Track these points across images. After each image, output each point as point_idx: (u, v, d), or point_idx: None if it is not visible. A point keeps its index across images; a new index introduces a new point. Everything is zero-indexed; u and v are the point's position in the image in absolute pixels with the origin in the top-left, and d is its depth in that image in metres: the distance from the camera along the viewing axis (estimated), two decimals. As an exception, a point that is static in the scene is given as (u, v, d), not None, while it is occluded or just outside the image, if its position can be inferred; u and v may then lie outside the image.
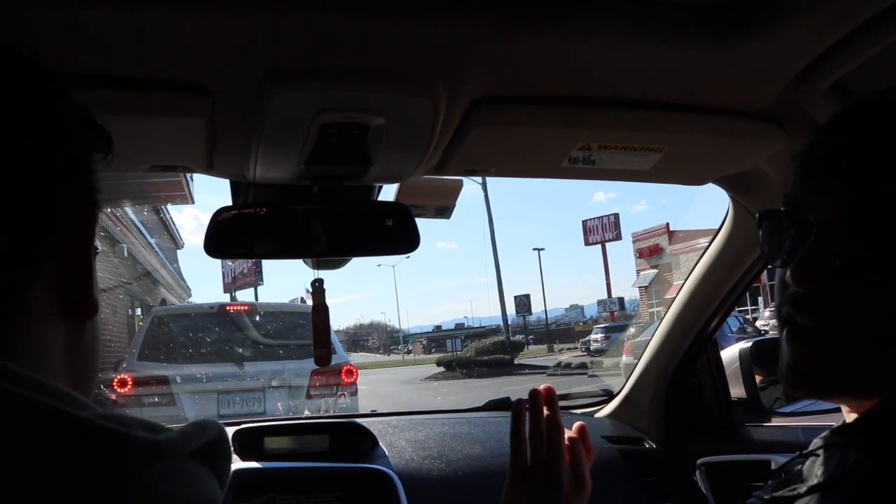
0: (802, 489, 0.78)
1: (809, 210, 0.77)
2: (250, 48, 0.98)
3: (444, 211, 1.78)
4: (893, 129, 0.75)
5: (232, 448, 1.74)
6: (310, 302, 1.69)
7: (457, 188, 1.74)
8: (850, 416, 0.82)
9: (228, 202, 1.54)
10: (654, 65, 1.11)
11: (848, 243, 0.73)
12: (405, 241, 1.50)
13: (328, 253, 1.49)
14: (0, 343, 0.51)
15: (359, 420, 2.20)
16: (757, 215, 0.86)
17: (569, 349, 36.90)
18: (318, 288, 1.64)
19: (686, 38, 1.04)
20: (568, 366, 25.13)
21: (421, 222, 1.53)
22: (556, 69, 1.11)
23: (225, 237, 1.44)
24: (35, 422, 0.44)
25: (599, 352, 28.77)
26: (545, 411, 1.12)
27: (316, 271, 1.63)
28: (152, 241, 16.39)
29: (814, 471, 0.79)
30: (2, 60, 0.54)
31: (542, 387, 1.15)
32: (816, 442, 0.82)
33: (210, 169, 1.37)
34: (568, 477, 1.06)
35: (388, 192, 1.59)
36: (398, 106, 1.11)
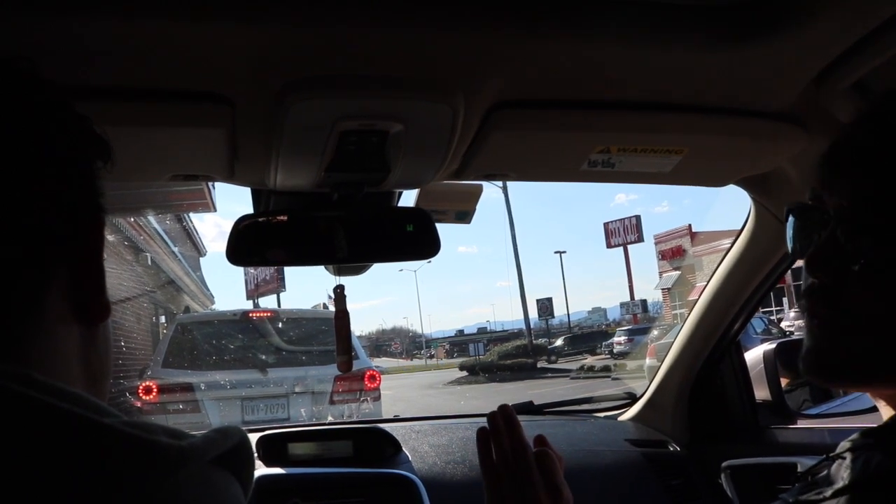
0: (828, 493, 0.77)
1: (829, 202, 0.78)
2: (270, 58, 0.98)
3: (465, 216, 1.78)
4: None
5: (255, 454, 1.74)
6: (332, 308, 1.70)
7: (476, 193, 1.74)
8: (884, 415, 0.82)
9: (250, 210, 1.55)
10: (674, 67, 1.11)
11: (860, 234, 0.74)
12: (426, 246, 1.50)
13: (349, 259, 1.50)
14: (18, 348, 0.52)
15: (382, 425, 2.20)
16: (785, 208, 0.87)
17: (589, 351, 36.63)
18: (339, 294, 1.64)
19: (705, 39, 1.04)
20: (591, 369, 25.03)
21: (441, 227, 1.53)
22: (574, 73, 1.10)
23: (247, 245, 1.45)
24: (60, 429, 0.45)
25: (623, 354, 28.57)
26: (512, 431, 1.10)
27: (337, 277, 1.64)
28: (175, 249, 16.51)
29: (840, 474, 0.78)
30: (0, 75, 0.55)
31: (498, 408, 1.14)
32: (843, 444, 0.82)
33: (231, 178, 1.38)
34: (544, 493, 1.05)
35: (408, 198, 1.59)
36: (416, 112, 1.12)
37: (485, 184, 1.69)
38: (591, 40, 1.03)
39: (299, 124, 1.11)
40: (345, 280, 1.64)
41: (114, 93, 1.04)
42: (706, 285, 2.12)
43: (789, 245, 0.87)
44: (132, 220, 11.52)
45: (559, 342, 38.62)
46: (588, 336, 40.26)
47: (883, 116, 0.79)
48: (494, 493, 1.09)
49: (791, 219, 0.86)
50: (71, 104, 0.58)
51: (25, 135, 0.53)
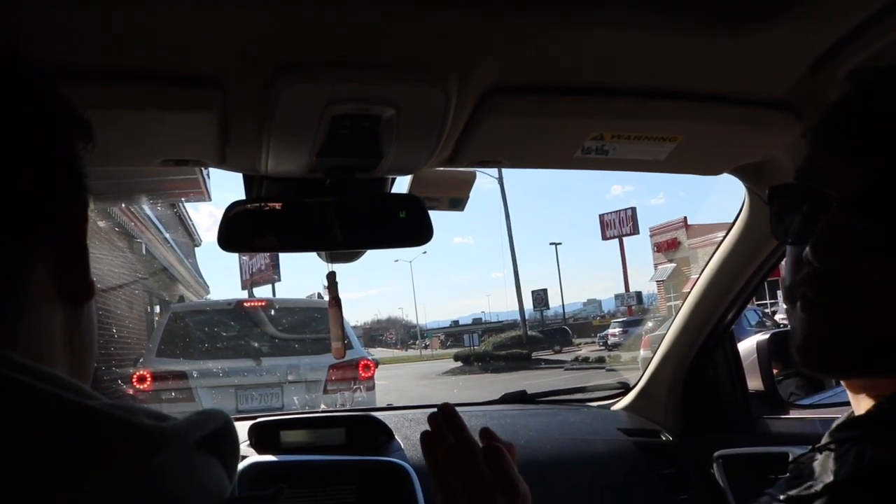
0: (818, 487, 0.75)
1: (829, 183, 0.72)
2: (260, 42, 0.98)
3: (458, 203, 1.77)
4: None
5: (242, 439, 1.72)
6: (327, 297, 1.69)
7: (470, 180, 1.74)
8: (858, 406, 0.79)
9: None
10: (668, 53, 1.10)
11: (872, 218, 0.69)
12: (418, 233, 1.49)
13: (342, 245, 1.49)
14: (1, 329, 0.51)
15: (375, 413, 2.20)
16: (767, 190, 0.82)
17: (586, 343, 36.59)
18: (332, 281, 1.64)
19: (700, 25, 1.03)
20: (586, 360, 25.12)
21: (437, 217, 1.52)
22: (568, 58, 1.10)
23: (238, 231, 1.45)
24: (43, 412, 0.44)
25: (617, 346, 28.63)
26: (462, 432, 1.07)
27: (330, 264, 1.63)
28: (168, 236, 16.45)
29: (828, 466, 0.76)
30: None
31: (438, 407, 1.10)
32: (827, 436, 0.80)
33: (222, 163, 1.37)
34: (497, 490, 1.00)
35: (401, 185, 1.59)
36: (409, 97, 1.11)
37: (480, 174, 1.68)
38: (585, 25, 1.02)
39: (291, 108, 1.10)
40: (340, 269, 1.64)
41: (103, 75, 1.03)
42: (700, 275, 2.12)
43: (777, 231, 0.81)
44: (124, 206, 11.48)
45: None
46: (552, 332, 39.85)
47: (884, 89, 0.74)
48: (447, 498, 1.04)
49: (777, 202, 0.81)
50: (51, 82, 0.57)
51: (5, 113, 0.53)
